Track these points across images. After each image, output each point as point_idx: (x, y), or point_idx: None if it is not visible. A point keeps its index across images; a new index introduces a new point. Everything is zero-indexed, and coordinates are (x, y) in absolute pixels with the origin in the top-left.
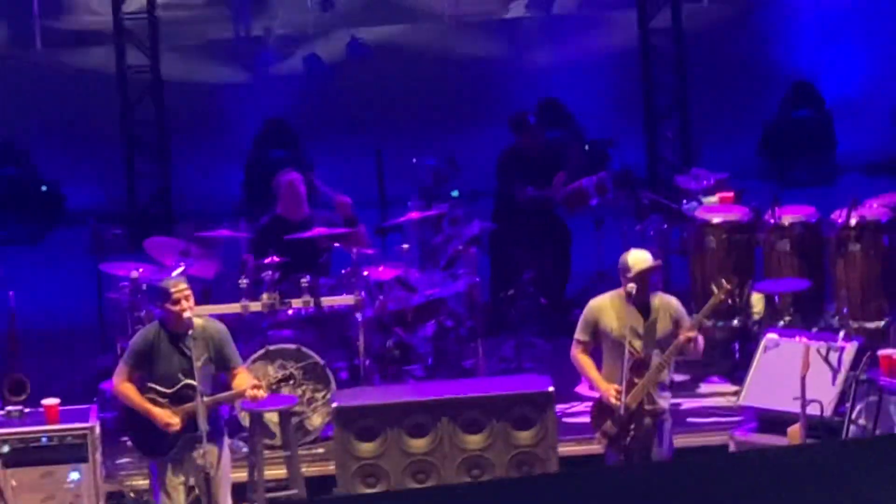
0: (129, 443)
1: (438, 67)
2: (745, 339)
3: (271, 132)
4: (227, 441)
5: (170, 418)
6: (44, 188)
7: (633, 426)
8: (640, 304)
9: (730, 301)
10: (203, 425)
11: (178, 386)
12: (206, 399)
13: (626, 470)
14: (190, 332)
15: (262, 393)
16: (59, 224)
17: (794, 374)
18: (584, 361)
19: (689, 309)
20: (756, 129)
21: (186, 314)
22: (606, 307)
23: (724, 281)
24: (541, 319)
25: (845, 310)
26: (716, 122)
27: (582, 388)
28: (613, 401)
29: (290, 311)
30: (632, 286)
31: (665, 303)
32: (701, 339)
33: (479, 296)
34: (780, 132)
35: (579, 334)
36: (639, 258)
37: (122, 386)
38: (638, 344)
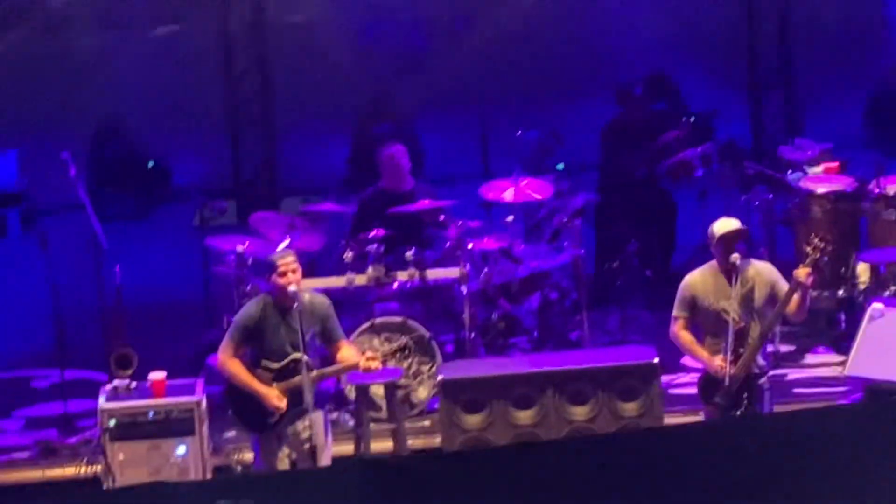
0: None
1: (544, 40)
2: (850, 309)
3: (376, 106)
4: (321, 414)
5: (279, 401)
6: (150, 164)
7: (744, 395)
8: (731, 271)
9: (825, 256)
10: (309, 398)
11: (287, 360)
12: (314, 373)
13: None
14: (296, 305)
15: (376, 364)
16: (165, 200)
17: None
18: (684, 337)
19: (790, 279)
20: (862, 99)
21: (292, 287)
22: (701, 281)
23: (814, 237)
24: (645, 291)
25: None
26: (821, 92)
27: (687, 360)
28: (721, 372)
29: (395, 285)
30: (735, 256)
31: (760, 270)
32: (806, 297)
33: (584, 268)
34: (887, 102)
35: (677, 311)
36: (723, 223)
37: (228, 362)
38: (737, 314)
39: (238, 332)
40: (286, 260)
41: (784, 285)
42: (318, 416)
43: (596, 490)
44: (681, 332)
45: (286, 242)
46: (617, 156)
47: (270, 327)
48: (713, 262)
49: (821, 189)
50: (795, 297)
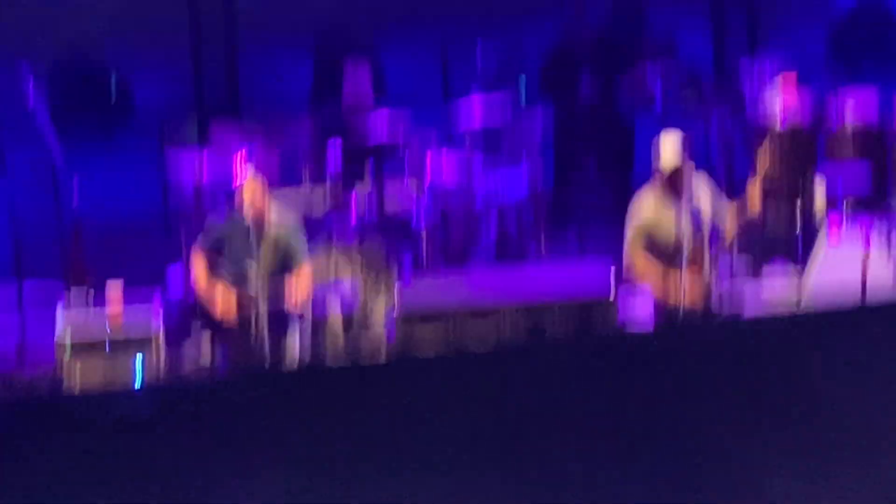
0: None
1: None
2: (808, 223)
3: (338, 25)
4: (294, 334)
5: (227, 304)
6: (111, 82)
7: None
8: (678, 185)
9: (774, 168)
10: (263, 311)
11: (241, 273)
12: (266, 288)
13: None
14: (254, 230)
15: (304, 290)
16: (126, 117)
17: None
18: (642, 261)
19: None
20: (824, 22)
21: (248, 209)
22: (652, 199)
23: (762, 149)
24: (604, 206)
25: None
26: (783, 13)
27: None
28: (683, 288)
29: (352, 201)
30: (690, 164)
31: (702, 179)
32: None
33: (543, 183)
34: (848, 28)
35: (631, 234)
36: (669, 135)
37: (196, 266)
38: (689, 227)
39: (205, 237)
40: (245, 184)
41: (721, 195)
42: (289, 334)
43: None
44: (637, 255)
45: (249, 167)
46: (569, 74)
47: (233, 240)
48: (657, 179)
49: (780, 108)
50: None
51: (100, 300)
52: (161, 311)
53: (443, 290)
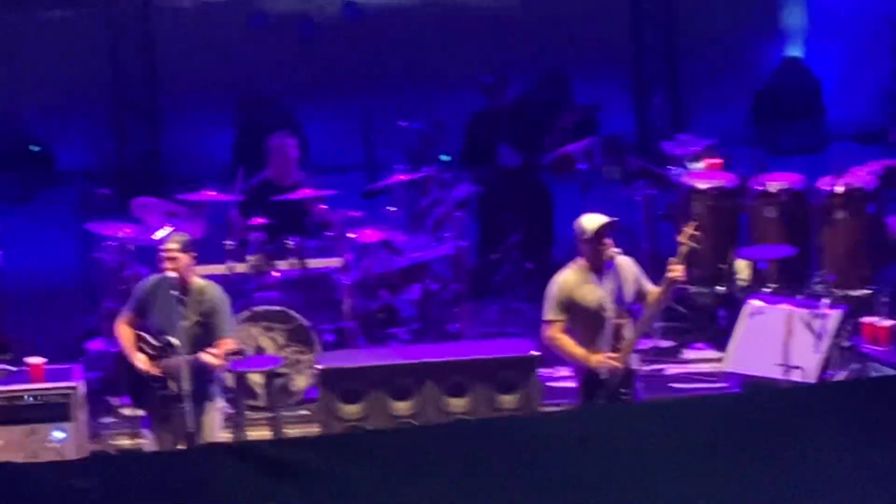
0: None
1: (427, 29)
2: (730, 305)
3: (261, 95)
4: (216, 405)
5: (146, 364)
6: (34, 148)
7: (624, 391)
8: (601, 267)
9: (697, 245)
10: (185, 385)
11: (163, 340)
12: (187, 359)
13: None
14: (174, 291)
15: (214, 360)
16: (48, 184)
17: (777, 341)
18: (563, 340)
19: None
20: (745, 96)
21: (171, 274)
22: (574, 280)
23: (686, 228)
24: (526, 284)
25: (830, 277)
26: (705, 89)
27: None
28: (604, 367)
29: (276, 274)
30: (613, 250)
31: (623, 263)
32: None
33: (466, 259)
34: (770, 100)
35: (552, 315)
36: (592, 218)
37: (119, 328)
38: (612, 309)
39: (132, 301)
40: (168, 245)
41: (645, 280)
42: (210, 406)
43: (470, 472)
44: (557, 335)
45: (168, 230)
46: (489, 147)
47: (158, 306)
48: (580, 260)
49: (702, 185)
50: (667, 290)
51: (20, 376)
52: (81, 387)
53: (364, 363)
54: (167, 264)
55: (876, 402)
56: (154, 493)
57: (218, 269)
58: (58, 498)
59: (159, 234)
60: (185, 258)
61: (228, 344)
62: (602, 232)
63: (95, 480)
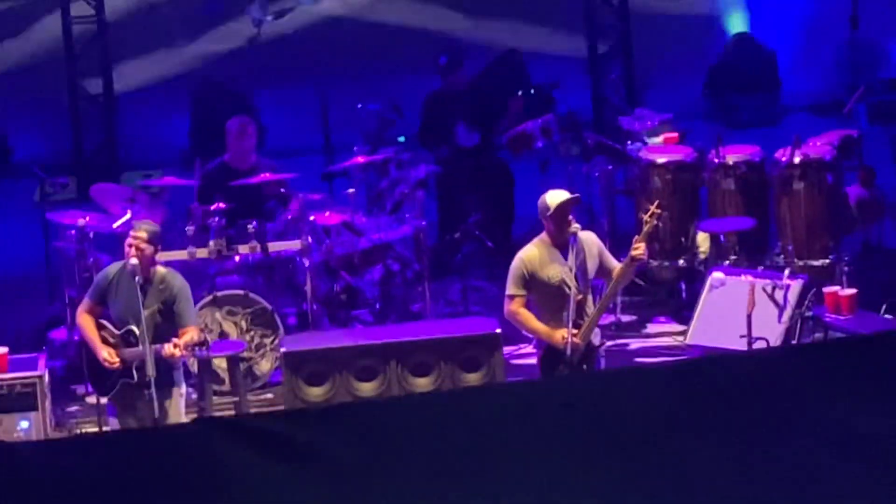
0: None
1: (381, 10)
2: (691, 278)
3: (216, 80)
4: (180, 391)
5: (110, 356)
6: None
7: (584, 366)
8: (564, 243)
9: (659, 223)
10: (150, 371)
11: (124, 329)
12: (150, 347)
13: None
14: (136, 278)
15: (176, 352)
16: (5, 176)
17: (740, 313)
18: (524, 315)
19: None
20: (701, 71)
21: (133, 261)
22: (538, 255)
23: (649, 206)
24: (487, 262)
25: (790, 248)
26: (661, 64)
27: None
28: (565, 344)
29: (237, 258)
30: (576, 226)
31: (587, 239)
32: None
33: (426, 239)
34: (725, 73)
35: (514, 289)
36: (555, 194)
37: (80, 317)
38: (574, 285)
39: (93, 291)
40: (136, 234)
41: (608, 254)
42: (174, 391)
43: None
44: (520, 310)
45: (127, 216)
46: (446, 127)
47: (120, 293)
48: (543, 236)
49: (660, 159)
50: (630, 268)
51: None
52: (46, 376)
53: (327, 345)
54: (131, 251)
55: (838, 364)
56: (149, 472)
57: (179, 254)
58: (50, 479)
59: (119, 223)
60: (149, 249)
61: (192, 335)
62: (565, 208)
63: (88, 459)
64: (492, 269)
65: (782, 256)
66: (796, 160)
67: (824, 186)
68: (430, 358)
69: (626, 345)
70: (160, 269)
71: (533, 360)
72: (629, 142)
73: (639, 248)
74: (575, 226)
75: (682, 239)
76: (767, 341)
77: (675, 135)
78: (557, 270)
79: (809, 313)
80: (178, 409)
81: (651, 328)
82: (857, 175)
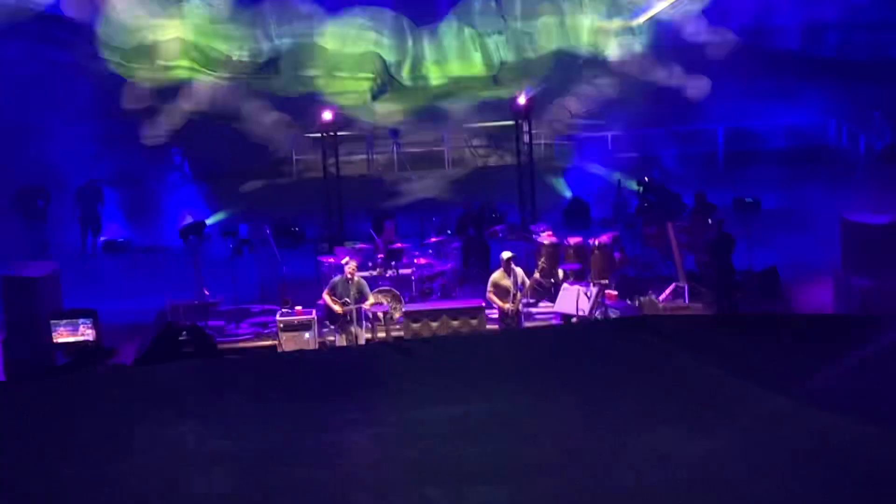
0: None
1: None
2: (558, 287)
3: None
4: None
5: (339, 308)
6: None
7: (514, 321)
8: (510, 272)
9: (542, 276)
10: (354, 313)
11: (343, 300)
12: (352, 307)
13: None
14: (350, 282)
15: (367, 306)
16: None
17: (574, 299)
18: (493, 298)
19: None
20: (560, 212)
21: (349, 275)
22: (499, 276)
23: (540, 265)
24: (477, 280)
25: (597, 278)
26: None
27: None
28: (507, 308)
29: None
30: (514, 267)
31: (519, 270)
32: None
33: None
34: (570, 212)
35: (490, 288)
36: (506, 253)
37: (326, 295)
38: (513, 288)
39: (330, 287)
40: (349, 263)
41: (525, 277)
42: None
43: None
44: (491, 296)
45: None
46: (464, 226)
47: (341, 287)
48: (501, 269)
49: (546, 241)
50: (532, 287)
51: None
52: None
53: (419, 308)
54: (345, 270)
55: (618, 335)
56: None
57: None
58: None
59: (345, 260)
60: (353, 265)
61: (370, 301)
62: (509, 259)
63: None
64: (479, 282)
65: (591, 280)
66: (597, 243)
67: (606, 252)
68: (452, 316)
69: (530, 311)
70: (356, 277)
71: (494, 315)
72: (534, 234)
73: (532, 282)
74: (514, 266)
75: (553, 271)
76: (584, 311)
77: (550, 232)
78: (507, 282)
79: (600, 300)
80: (361, 333)
81: (541, 305)
82: (618, 248)
